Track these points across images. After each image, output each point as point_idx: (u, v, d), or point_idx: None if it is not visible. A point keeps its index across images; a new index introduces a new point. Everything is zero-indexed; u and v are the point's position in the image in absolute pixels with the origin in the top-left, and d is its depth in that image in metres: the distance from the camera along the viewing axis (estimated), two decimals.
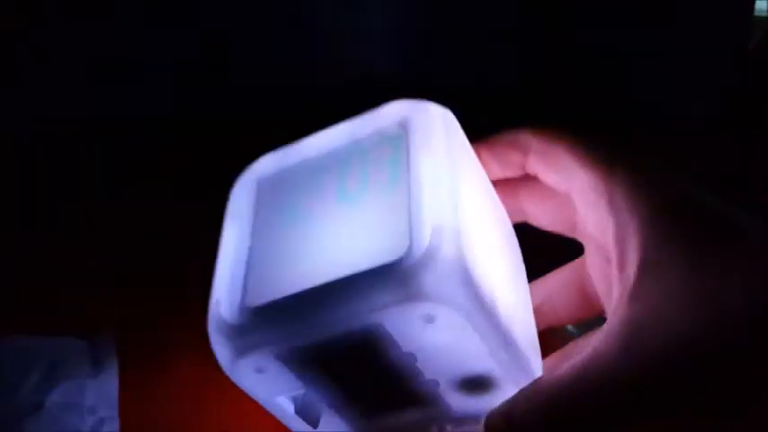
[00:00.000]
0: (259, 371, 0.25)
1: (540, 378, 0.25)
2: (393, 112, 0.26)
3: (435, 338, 0.23)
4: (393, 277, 0.22)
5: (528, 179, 0.29)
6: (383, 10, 0.57)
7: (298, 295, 0.23)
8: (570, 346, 0.30)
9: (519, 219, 0.31)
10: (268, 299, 0.24)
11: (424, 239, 0.22)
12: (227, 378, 0.25)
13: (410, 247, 0.22)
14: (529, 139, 0.28)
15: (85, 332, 0.43)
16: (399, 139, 0.25)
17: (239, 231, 0.27)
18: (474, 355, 0.24)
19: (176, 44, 0.59)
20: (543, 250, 0.31)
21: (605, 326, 0.24)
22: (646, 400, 0.22)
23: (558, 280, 0.31)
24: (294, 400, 0.26)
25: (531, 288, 0.31)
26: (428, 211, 0.23)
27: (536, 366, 0.26)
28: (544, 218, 0.30)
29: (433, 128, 0.25)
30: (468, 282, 0.22)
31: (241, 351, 0.24)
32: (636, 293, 0.23)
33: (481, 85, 0.58)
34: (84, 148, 0.60)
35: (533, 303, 0.30)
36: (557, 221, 0.29)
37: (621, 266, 0.24)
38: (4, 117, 0.59)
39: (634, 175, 0.24)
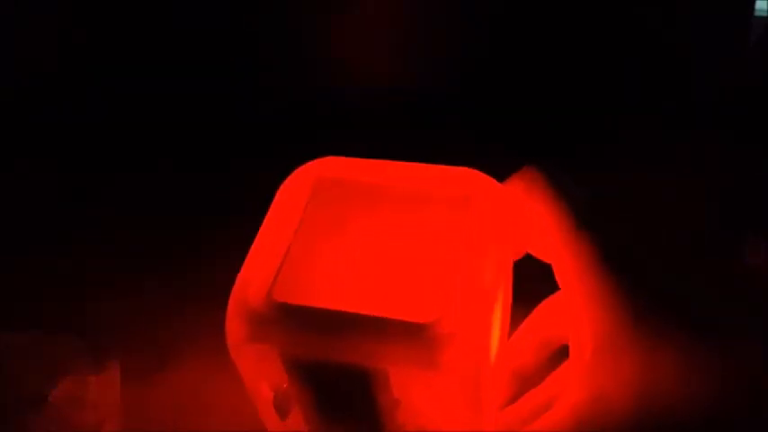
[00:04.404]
0: (260, 359, 0.25)
1: None
2: (464, 177, 0.27)
3: (425, 396, 0.25)
4: (417, 341, 0.23)
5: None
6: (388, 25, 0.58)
7: (326, 312, 0.24)
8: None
9: (524, 253, 0.31)
10: (297, 301, 0.24)
11: (458, 317, 0.23)
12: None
13: (441, 318, 0.23)
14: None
15: (86, 331, 0.44)
16: (463, 206, 0.26)
17: (285, 221, 0.27)
18: (447, 416, 0.25)
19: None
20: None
21: (556, 404, 0.24)
22: None
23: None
24: (276, 391, 0.27)
25: (541, 309, 0.32)
26: (470, 292, 0.24)
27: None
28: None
29: (497, 211, 0.26)
30: (480, 367, 0.24)
31: (255, 338, 0.24)
32: (586, 381, 0.23)
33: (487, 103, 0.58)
34: (81, 148, 0.60)
35: (547, 326, 0.31)
36: None
37: (577, 349, 0.24)
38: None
39: (593, 256, 0.25)
